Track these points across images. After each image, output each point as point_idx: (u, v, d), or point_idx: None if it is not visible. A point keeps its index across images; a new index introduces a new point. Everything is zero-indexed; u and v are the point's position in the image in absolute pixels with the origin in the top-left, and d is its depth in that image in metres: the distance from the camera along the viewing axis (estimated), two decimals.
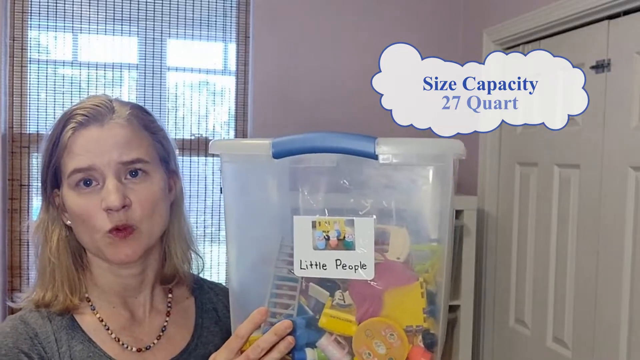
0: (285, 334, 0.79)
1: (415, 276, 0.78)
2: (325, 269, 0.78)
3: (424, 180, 0.77)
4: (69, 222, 0.95)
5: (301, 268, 0.79)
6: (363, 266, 0.77)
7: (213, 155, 2.66)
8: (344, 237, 0.77)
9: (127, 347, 0.95)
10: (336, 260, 0.78)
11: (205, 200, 2.73)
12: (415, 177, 0.78)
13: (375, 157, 0.75)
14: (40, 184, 0.98)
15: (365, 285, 0.78)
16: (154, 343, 0.98)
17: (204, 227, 2.76)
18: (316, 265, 0.78)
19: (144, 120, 0.97)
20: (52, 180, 0.95)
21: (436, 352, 0.79)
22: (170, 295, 1.04)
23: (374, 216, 0.77)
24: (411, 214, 0.80)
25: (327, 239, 0.78)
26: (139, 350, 0.96)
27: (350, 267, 0.77)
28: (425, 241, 0.80)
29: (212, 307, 1.08)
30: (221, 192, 2.72)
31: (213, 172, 2.73)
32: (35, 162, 2.57)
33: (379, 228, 0.78)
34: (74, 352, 0.91)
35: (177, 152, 1.04)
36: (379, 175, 0.79)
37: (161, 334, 1.00)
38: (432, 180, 0.77)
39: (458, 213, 2.52)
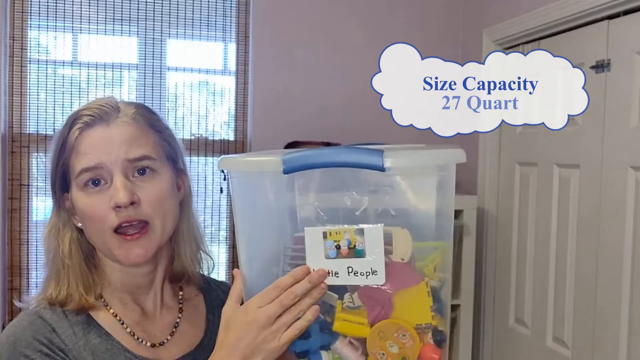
0: (319, 283, 0.81)
1: (420, 276, 0.81)
2: (337, 277, 0.81)
3: (429, 189, 0.80)
4: (79, 225, 0.96)
5: None
6: (374, 272, 0.80)
7: (211, 154, 2.68)
8: (355, 245, 0.80)
9: (142, 342, 0.96)
10: (348, 267, 0.80)
11: (205, 200, 2.73)
12: (420, 185, 0.81)
13: (382, 169, 0.78)
14: (50, 188, 0.98)
15: (376, 289, 0.81)
16: (167, 339, 0.99)
17: (204, 227, 2.75)
18: (329, 273, 0.81)
19: (149, 119, 0.98)
20: (62, 183, 0.96)
21: (445, 349, 0.82)
22: (181, 293, 1.05)
23: (382, 224, 0.80)
24: (414, 217, 0.82)
25: (338, 247, 0.80)
26: (152, 345, 0.97)
27: (362, 274, 0.80)
28: (426, 240, 0.83)
29: (221, 304, 1.08)
30: (221, 192, 2.73)
31: (213, 172, 2.73)
32: (35, 162, 2.57)
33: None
34: (92, 345, 0.92)
35: (185, 151, 1.05)
36: (385, 183, 0.81)
37: (174, 330, 1.01)
38: (437, 189, 0.80)
39: (458, 213, 2.53)
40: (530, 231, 2.41)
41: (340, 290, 0.83)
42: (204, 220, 2.73)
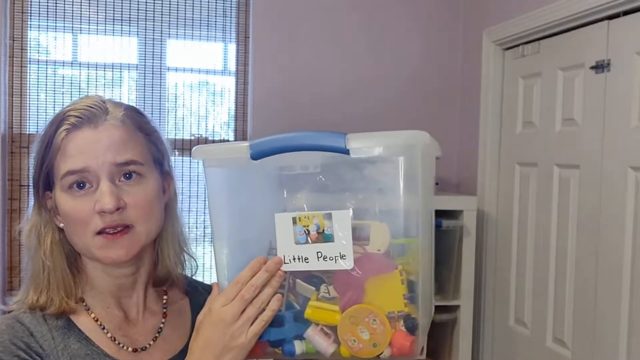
0: (275, 271, 0.83)
1: (394, 265, 0.82)
2: (307, 262, 0.82)
3: (395, 172, 0.80)
4: (61, 225, 0.94)
5: (285, 262, 0.83)
6: (343, 256, 0.81)
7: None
8: (324, 230, 0.81)
9: (123, 347, 0.95)
10: (317, 252, 0.82)
11: (205, 200, 2.73)
12: (387, 169, 0.81)
13: (346, 152, 0.79)
14: (32, 186, 0.96)
15: (347, 275, 0.81)
16: (150, 344, 0.98)
17: (204, 227, 2.76)
18: (299, 259, 0.82)
19: (138, 122, 0.96)
20: (45, 182, 0.94)
21: (418, 336, 0.82)
22: (165, 297, 1.04)
23: (351, 208, 0.81)
24: (388, 206, 0.83)
25: (308, 233, 0.82)
26: (134, 350, 0.96)
27: (331, 258, 0.81)
28: (402, 235, 0.83)
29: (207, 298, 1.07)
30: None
31: None
32: None
33: (360, 224, 0.82)
34: (71, 351, 0.91)
35: (172, 153, 1.03)
36: (357, 174, 0.82)
37: (157, 335, 1.00)
38: (404, 171, 0.80)
39: (458, 213, 2.53)
40: (530, 231, 2.41)
41: (318, 282, 0.84)
42: (204, 220, 2.73)
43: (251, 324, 0.82)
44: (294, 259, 0.82)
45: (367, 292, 0.81)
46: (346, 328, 0.81)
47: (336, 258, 0.81)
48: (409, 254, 0.82)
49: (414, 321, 0.81)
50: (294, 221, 0.82)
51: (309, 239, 0.81)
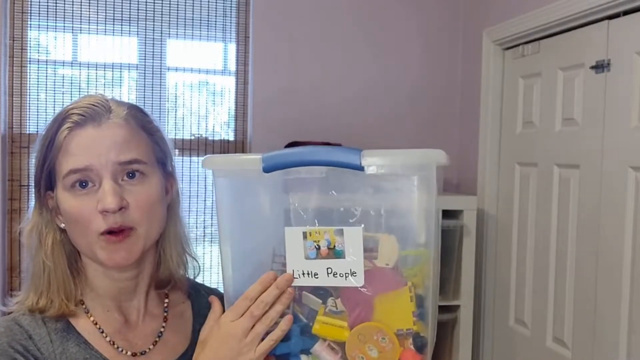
0: (286, 287, 0.82)
1: (403, 281, 0.80)
2: (317, 278, 0.81)
3: (410, 188, 0.79)
4: (63, 225, 0.93)
5: (294, 277, 0.82)
6: (353, 273, 0.80)
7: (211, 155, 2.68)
8: (334, 246, 0.80)
9: (122, 351, 0.94)
10: (327, 268, 0.80)
11: (205, 200, 2.73)
12: (401, 186, 0.80)
13: (361, 168, 0.78)
14: (33, 186, 0.95)
15: (356, 291, 0.80)
16: (149, 348, 0.97)
17: (204, 227, 2.76)
18: (308, 274, 0.81)
19: (141, 121, 0.95)
20: (46, 181, 0.92)
21: (426, 355, 0.81)
22: (166, 300, 1.03)
23: (362, 225, 0.80)
24: (398, 221, 0.82)
25: (318, 248, 0.81)
26: (133, 354, 0.95)
27: (341, 275, 0.80)
28: (412, 247, 0.82)
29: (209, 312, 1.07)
30: None
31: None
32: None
33: (369, 236, 0.80)
34: (70, 354, 0.90)
35: (175, 153, 1.02)
36: (366, 185, 0.81)
37: (157, 339, 0.98)
38: (417, 189, 0.79)
39: (458, 213, 2.53)
40: (530, 231, 2.41)
41: (325, 295, 0.82)
42: (204, 220, 2.73)
43: (260, 341, 0.82)
44: (304, 274, 0.81)
45: (376, 309, 0.80)
46: (354, 345, 0.80)
47: (346, 275, 0.80)
48: (417, 266, 0.81)
49: (423, 340, 0.80)
50: (305, 236, 0.81)
51: (319, 254, 0.80)
